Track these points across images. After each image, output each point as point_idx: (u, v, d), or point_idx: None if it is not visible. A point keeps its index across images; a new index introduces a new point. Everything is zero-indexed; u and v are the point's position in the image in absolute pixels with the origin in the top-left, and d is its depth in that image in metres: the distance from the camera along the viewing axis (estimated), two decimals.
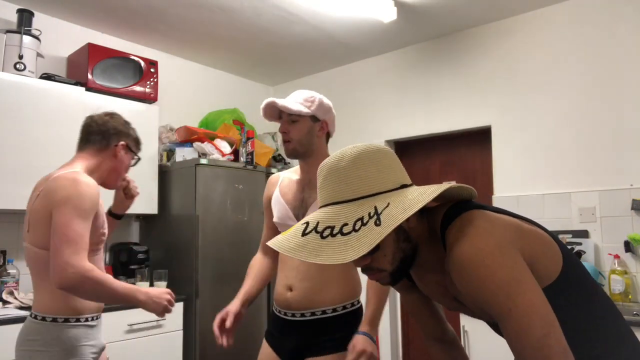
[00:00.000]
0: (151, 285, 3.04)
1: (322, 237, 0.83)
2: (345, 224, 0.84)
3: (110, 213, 1.92)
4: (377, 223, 0.81)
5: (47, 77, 2.87)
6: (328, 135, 1.73)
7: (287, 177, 1.74)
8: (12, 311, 2.48)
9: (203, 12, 3.15)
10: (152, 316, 2.87)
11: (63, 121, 2.83)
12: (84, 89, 2.97)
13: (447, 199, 0.99)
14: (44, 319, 1.54)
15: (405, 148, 3.83)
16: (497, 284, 0.81)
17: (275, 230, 1.75)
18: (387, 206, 0.84)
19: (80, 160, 1.68)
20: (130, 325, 2.77)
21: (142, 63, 3.30)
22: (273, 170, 3.63)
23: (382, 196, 0.87)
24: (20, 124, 2.67)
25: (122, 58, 3.22)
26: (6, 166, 2.60)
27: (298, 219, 1.61)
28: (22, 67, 2.75)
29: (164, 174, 3.37)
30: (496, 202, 3.15)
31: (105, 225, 1.68)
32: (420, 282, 1.08)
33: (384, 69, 3.88)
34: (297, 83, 4.49)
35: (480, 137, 3.39)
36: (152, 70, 3.34)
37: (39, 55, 2.88)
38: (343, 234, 0.82)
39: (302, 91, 1.67)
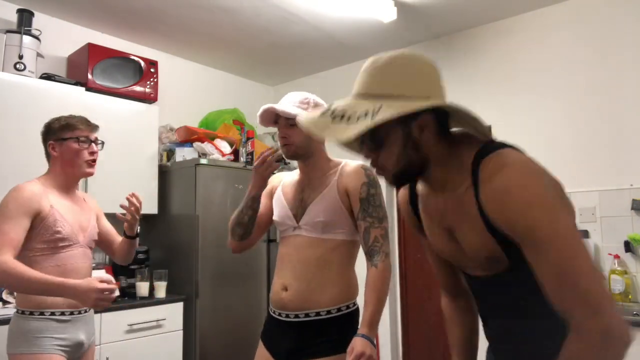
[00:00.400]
0: (151, 285, 3.04)
1: (332, 119, 0.94)
2: (354, 114, 0.92)
3: (124, 234, 2.06)
4: (371, 119, 0.89)
5: (47, 77, 2.87)
6: None
7: (289, 178, 1.77)
8: (12, 311, 2.46)
9: (203, 12, 3.15)
10: (152, 316, 2.87)
11: None
12: (84, 89, 2.97)
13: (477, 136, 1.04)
14: (17, 311, 1.76)
15: None
16: (543, 208, 0.84)
17: (262, 222, 1.78)
18: (389, 108, 0.90)
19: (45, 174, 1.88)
20: (130, 325, 2.77)
21: (142, 63, 3.30)
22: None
23: (395, 100, 0.91)
24: (20, 124, 2.66)
25: (122, 58, 3.22)
26: (6, 166, 2.60)
27: (297, 219, 1.63)
28: (22, 67, 2.75)
29: (164, 174, 3.37)
30: None
31: (60, 225, 1.75)
32: (423, 207, 1.10)
33: None
34: (297, 83, 4.49)
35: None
36: (152, 70, 3.34)
37: (39, 55, 2.88)
38: (347, 121, 0.91)
39: (295, 93, 1.67)
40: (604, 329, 0.80)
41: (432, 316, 3.60)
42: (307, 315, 1.55)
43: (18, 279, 1.57)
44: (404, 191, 1.17)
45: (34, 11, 2.94)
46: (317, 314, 1.55)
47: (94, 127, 1.89)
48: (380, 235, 1.54)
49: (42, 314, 1.72)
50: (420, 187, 1.09)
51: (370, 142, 0.97)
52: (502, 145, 0.96)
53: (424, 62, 0.96)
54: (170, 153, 3.43)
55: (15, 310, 1.77)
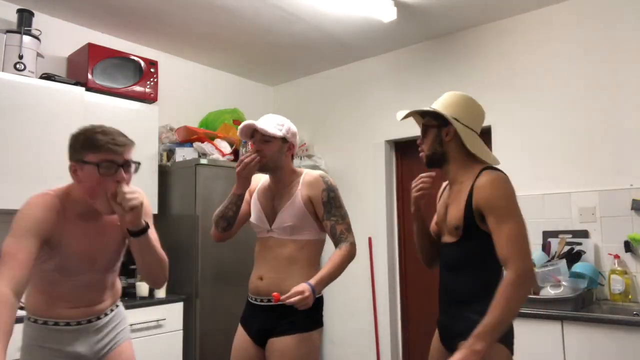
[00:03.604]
0: None
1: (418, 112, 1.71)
2: (427, 113, 1.67)
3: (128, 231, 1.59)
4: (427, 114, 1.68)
5: (47, 77, 2.87)
6: (292, 156, 2.00)
7: (263, 184, 2.03)
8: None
9: (203, 12, 3.15)
10: (152, 316, 2.87)
11: (63, 121, 2.83)
12: (84, 89, 2.97)
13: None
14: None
15: (405, 148, 3.83)
16: (510, 199, 1.49)
17: (242, 218, 2.02)
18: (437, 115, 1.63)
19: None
20: (131, 325, 2.74)
21: (142, 63, 3.30)
22: None
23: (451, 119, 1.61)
24: (20, 124, 2.67)
25: (122, 58, 3.22)
26: (6, 166, 2.60)
27: (270, 223, 1.91)
28: (22, 67, 2.75)
29: (164, 174, 3.37)
30: None
31: (70, 259, 1.51)
32: (442, 194, 1.77)
33: (384, 69, 3.88)
34: (297, 83, 4.49)
35: (480, 137, 3.38)
36: (152, 70, 3.34)
37: (39, 55, 2.88)
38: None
39: (273, 116, 1.94)
40: (529, 269, 1.43)
41: (432, 316, 3.59)
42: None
43: None
44: (443, 186, 1.78)
45: (34, 11, 2.94)
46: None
47: (122, 148, 1.48)
48: (344, 229, 1.86)
49: (35, 321, 1.56)
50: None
51: (422, 132, 1.68)
52: (498, 169, 1.59)
53: (477, 105, 1.66)
54: (170, 153, 3.43)
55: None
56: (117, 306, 1.73)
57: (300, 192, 1.89)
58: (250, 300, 1.94)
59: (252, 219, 1.99)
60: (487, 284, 1.52)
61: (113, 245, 1.63)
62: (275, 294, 1.70)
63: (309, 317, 1.80)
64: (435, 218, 1.79)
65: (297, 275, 1.81)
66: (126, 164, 1.49)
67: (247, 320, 1.92)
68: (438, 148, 1.62)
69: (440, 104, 1.63)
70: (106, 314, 1.66)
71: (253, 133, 1.91)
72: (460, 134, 1.58)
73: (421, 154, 1.68)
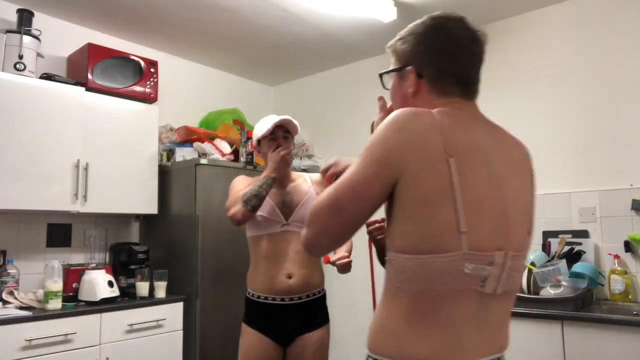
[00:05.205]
0: (151, 285, 3.04)
1: None
2: None
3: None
4: None
5: (47, 77, 2.87)
6: None
7: None
8: (12, 311, 2.48)
9: (203, 12, 3.15)
10: (152, 316, 2.87)
11: (63, 121, 2.83)
12: (84, 89, 2.97)
13: None
14: None
15: None
16: None
17: None
18: None
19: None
20: (130, 325, 2.77)
21: (142, 63, 3.30)
22: None
23: None
24: (20, 124, 2.67)
25: (122, 58, 3.21)
26: (6, 166, 2.60)
27: (285, 217, 2.01)
28: (22, 67, 2.75)
29: (164, 174, 3.37)
30: None
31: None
32: None
33: (384, 69, 3.87)
34: (297, 83, 4.49)
35: None
36: (152, 70, 3.34)
37: (39, 55, 2.88)
38: None
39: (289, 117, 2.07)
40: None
41: None
42: (307, 296, 1.97)
43: None
44: None
45: (34, 11, 2.94)
46: (314, 294, 1.98)
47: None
48: None
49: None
50: None
51: None
52: None
53: None
54: (170, 153, 3.43)
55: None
56: None
57: (312, 188, 2.08)
58: (275, 302, 1.95)
59: (265, 213, 2.00)
60: None
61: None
62: (325, 256, 1.82)
63: (326, 310, 2.05)
64: None
65: (319, 268, 2.00)
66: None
67: (269, 322, 1.95)
68: None
69: None
70: None
71: (274, 129, 2.02)
72: None
73: None
